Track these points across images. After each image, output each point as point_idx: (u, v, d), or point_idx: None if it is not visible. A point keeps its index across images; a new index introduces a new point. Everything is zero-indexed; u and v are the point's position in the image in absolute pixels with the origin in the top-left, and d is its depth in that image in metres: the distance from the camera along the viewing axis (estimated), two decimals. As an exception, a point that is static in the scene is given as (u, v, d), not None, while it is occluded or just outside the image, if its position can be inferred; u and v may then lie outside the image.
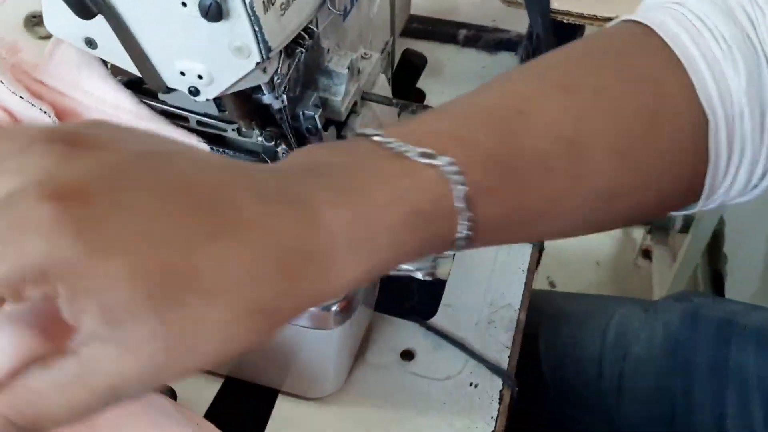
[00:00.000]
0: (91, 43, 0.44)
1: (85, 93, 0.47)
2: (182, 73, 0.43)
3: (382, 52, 0.62)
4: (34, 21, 0.63)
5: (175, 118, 0.50)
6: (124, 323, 0.21)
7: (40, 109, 0.47)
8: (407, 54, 0.74)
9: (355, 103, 0.55)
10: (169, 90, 0.45)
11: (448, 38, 0.83)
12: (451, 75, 0.79)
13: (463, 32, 0.83)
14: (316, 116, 0.47)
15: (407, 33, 0.82)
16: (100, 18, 0.42)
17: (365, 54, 0.57)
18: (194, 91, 0.44)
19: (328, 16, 0.49)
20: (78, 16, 0.41)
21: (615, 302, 0.70)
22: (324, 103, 0.51)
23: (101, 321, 0.21)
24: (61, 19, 0.44)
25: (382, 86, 0.59)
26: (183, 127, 0.49)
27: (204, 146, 0.48)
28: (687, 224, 1.51)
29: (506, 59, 0.81)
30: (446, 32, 0.84)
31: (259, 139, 0.48)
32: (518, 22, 0.84)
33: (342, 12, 0.52)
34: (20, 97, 0.47)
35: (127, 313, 0.21)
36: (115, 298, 0.20)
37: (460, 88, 0.79)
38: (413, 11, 0.83)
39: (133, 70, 0.45)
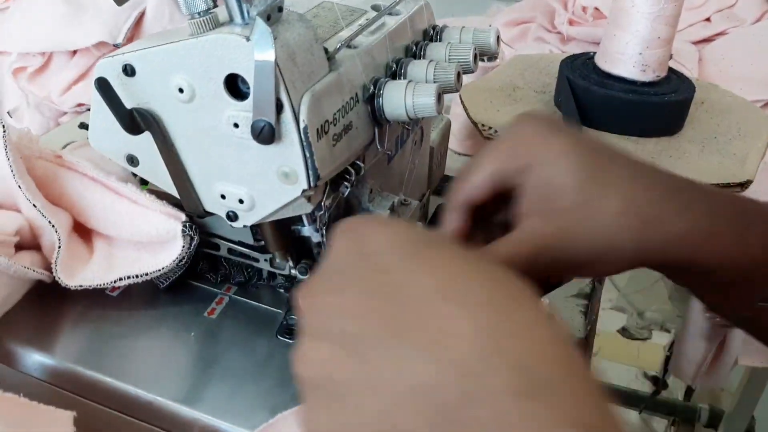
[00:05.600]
0: (132, 160, 0.43)
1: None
2: (222, 197, 0.41)
3: (420, 201, 0.60)
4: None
5: (204, 246, 0.47)
6: None
7: (50, 222, 0.46)
8: (441, 209, 0.73)
9: (392, 248, 0.52)
10: (206, 214, 0.43)
11: (480, 200, 0.83)
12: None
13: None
14: (356, 253, 0.44)
15: (439, 192, 0.82)
16: (145, 135, 0.41)
17: (405, 200, 0.55)
18: (232, 216, 0.42)
19: (375, 156, 0.48)
20: (126, 131, 0.41)
21: None
22: (362, 244, 0.48)
23: None
24: (106, 135, 0.43)
25: (419, 235, 0.57)
26: (211, 256, 0.47)
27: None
28: (713, 419, 1.42)
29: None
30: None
31: (293, 271, 0.45)
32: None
33: (389, 153, 0.51)
34: (34, 205, 0.45)
35: None
36: None
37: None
38: (446, 172, 0.83)
39: (172, 190, 0.43)
